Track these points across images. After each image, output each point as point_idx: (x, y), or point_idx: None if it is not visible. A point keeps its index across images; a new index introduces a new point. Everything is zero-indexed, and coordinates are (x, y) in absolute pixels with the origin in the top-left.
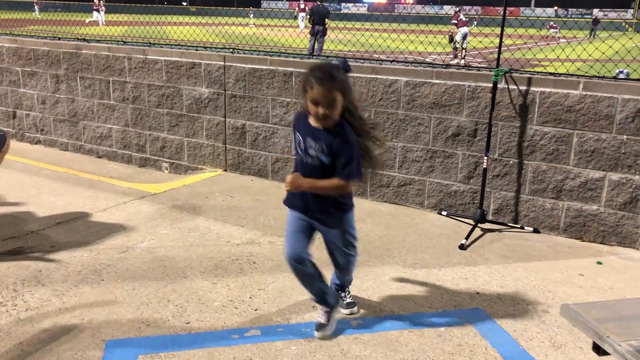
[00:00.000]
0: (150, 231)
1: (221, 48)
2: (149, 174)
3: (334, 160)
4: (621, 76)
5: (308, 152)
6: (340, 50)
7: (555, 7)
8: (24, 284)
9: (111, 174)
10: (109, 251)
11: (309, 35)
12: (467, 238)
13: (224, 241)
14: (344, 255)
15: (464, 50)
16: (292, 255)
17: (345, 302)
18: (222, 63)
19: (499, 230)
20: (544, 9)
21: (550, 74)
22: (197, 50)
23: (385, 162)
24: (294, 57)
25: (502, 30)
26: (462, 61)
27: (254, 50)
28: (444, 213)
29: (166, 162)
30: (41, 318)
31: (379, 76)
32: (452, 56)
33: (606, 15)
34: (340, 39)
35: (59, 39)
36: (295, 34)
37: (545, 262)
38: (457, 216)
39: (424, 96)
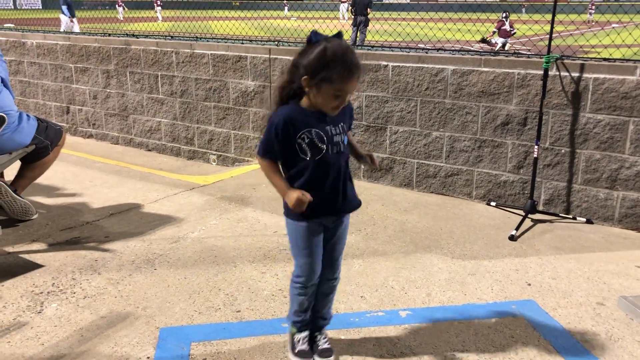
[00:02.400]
0: (200, 222)
1: (266, 41)
2: (197, 166)
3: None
4: None
5: (334, 140)
6: (386, 40)
7: None
8: (81, 272)
9: (161, 167)
10: (160, 241)
11: (351, 27)
12: (517, 229)
13: (271, 231)
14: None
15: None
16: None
17: (320, 347)
18: (268, 56)
19: (550, 221)
20: None
21: (604, 59)
22: (242, 43)
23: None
24: None
25: (554, 16)
26: (508, 46)
27: (299, 43)
28: (493, 204)
29: (214, 154)
30: (98, 305)
31: (425, 65)
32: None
33: None
34: (384, 30)
35: (109, 35)
36: (337, 25)
37: (599, 253)
38: (507, 207)
39: (472, 84)
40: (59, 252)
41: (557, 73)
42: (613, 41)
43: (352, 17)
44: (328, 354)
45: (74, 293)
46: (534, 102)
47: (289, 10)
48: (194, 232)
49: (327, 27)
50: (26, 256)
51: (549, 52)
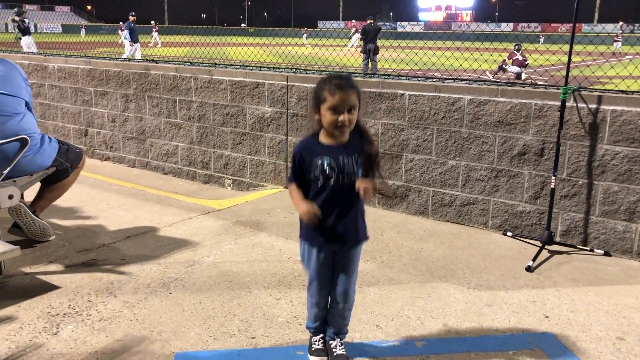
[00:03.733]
0: (215, 246)
1: (284, 68)
2: (213, 190)
3: (360, 168)
4: None
5: (345, 170)
6: (398, 68)
7: (621, 22)
8: (97, 294)
9: (176, 190)
10: (176, 265)
11: (361, 55)
12: (534, 260)
13: (286, 257)
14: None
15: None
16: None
17: (336, 353)
18: (285, 83)
19: (567, 253)
20: (604, 25)
21: (622, 91)
22: (260, 70)
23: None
24: (355, 76)
25: (571, 47)
26: (524, 76)
27: (316, 70)
28: (509, 234)
29: (229, 179)
30: (114, 328)
31: (442, 94)
32: (491, 73)
33: None
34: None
35: (129, 60)
36: (349, 53)
37: (617, 286)
38: (523, 237)
39: (489, 114)
40: (76, 273)
41: (575, 104)
42: (631, 73)
43: (362, 44)
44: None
45: (90, 315)
46: (551, 133)
47: (307, 37)
48: (209, 257)
49: (338, 55)
50: (43, 277)
51: (566, 83)
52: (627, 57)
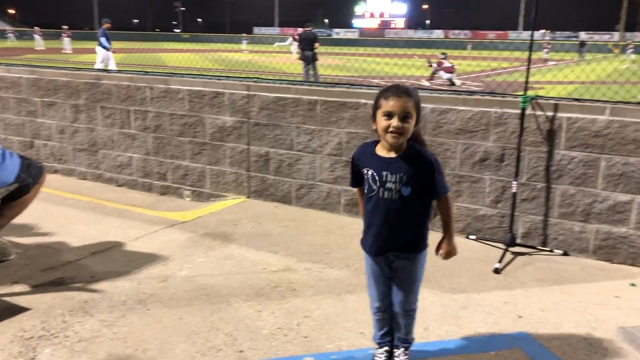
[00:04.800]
0: (187, 259)
1: (244, 77)
2: (171, 202)
3: (415, 188)
4: None
5: (386, 185)
6: (336, 75)
7: (543, 30)
8: (71, 314)
9: (133, 202)
10: (149, 280)
11: (300, 62)
12: (500, 262)
13: (260, 268)
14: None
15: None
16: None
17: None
18: (246, 92)
19: (529, 254)
20: (530, 32)
21: (576, 99)
22: (219, 79)
23: None
24: (318, 86)
25: (530, 57)
26: (459, 82)
27: (277, 80)
28: (472, 237)
29: (188, 190)
30: (95, 349)
31: None
32: (427, 80)
33: (592, 37)
34: (335, 65)
35: (79, 69)
36: (288, 59)
37: (579, 284)
38: (486, 240)
39: (450, 122)
40: (45, 293)
41: (533, 112)
42: (554, 76)
43: (301, 52)
44: None
45: (67, 337)
46: (511, 140)
47: (247, 44)
48: (182, 271)
49: (277, 63)
50: (9, 299)
51: (525, 92)
52: (550, 63)
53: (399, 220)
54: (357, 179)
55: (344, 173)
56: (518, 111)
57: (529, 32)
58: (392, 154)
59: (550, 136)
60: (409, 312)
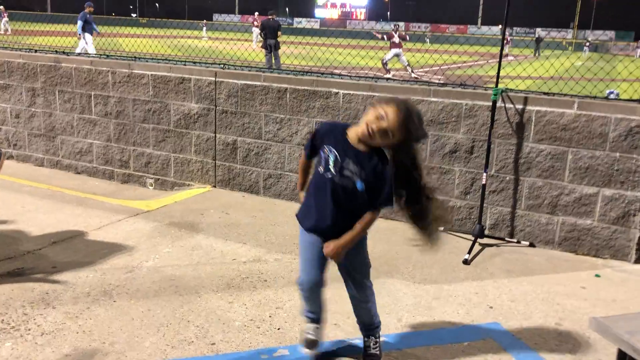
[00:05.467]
0: (152, 250)
1: (211, 63)
2: (134, 190)
3: (367, 188)
4: (612, 96)
5: (343, 173)
6: (299, 64)
7: (500, 25)
8: (32, 306)
9: (94, 190)
10: (114, 271)
11: (262, 50)
12: (469, 253)
13: (229, 259)
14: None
15: (408, 67)
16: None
17: (369, 352)
18: (213, 79)
19: (497, 245)
20: (489, 27)
21: (545, 93)
22: (185, 65)
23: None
24: (288, 74)
25: (502, 51)
26: (413, 74)
27: (245, 66)
28: (441, 228)
29: (151, 178)
30: (60, 342)
31: (376, 93)
32: (383, 72)
33: (548, 34)
34: (296, 54)
35: (36, 51)
36: (248, 48)
37: (546, 275)
38: (454, 231)
39: (422, 114)
40: (2, 285)
41: (503, 105)
42: (517, 73)
43: (262, 40)
44: (373, 359)
45: (29, 330)
46: (481, 132)
47: (207, 30)
48: (148, 261)
49: (239, 50)
50: None
51: (497, 84)
52: (509, 57)
53: (344, 209)
54: (313, 151)
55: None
56: (489, 103)
57: (487, 27)
58: (361, 147)
59: (520, 129)
60: (365, 295)
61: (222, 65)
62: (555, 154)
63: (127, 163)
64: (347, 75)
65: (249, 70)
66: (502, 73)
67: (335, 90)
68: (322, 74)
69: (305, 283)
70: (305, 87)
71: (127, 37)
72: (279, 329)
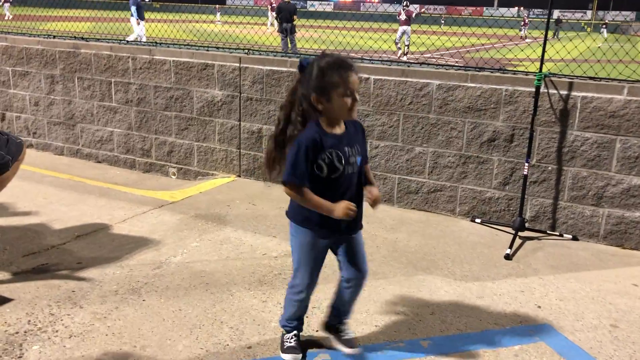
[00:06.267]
0: (180, 244)
1: (234, 49)
2: (156, 180)
3: (362, 155)
4: None
5: (350, 160)
6: (318, 48)
7: (517, 7)
8: (59, 306)
9: (115, 180)
10: (141, 267)
11: (279, 34)
12: (510, 247)
13: (260, 254)
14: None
15: (406, 47)
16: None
17: (344, 337)
18: (238, 64)
19: (538, 239)
20: (508, 8)
21: (592, 78)
22: (208, 50)
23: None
24: (282, 56)
25: (546, 34)
26: (405, 57)
27: (270, 52)
28: (478, 220)
29: (174, 167)
30: (89, 346)
31: (409, 79)
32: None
33: (565, 15)
34: (310, 37)
35: (54, 37)
36: (265, 32)
37: (594, 271)
38: (492, 223)
39: (458, 100)
40: (28, 282)
41: (546, 90)
42: (528, 55)
43: (279, 24)
44: (353, 342)
45: (57, 332)
46: (521, 119)
47: (221, 15)
48: (176, 256)
49: (256, 34)
50: None
51: (541, 69)
52: (527, 40)
53: (359, 193)
54: (310, 174)
55: None
56: (530, 89)
57: (504, 9)
58: (342, 129)
59: (564, 116)
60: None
61: (246, 51)
62: (602, 143)
63: (149, 152)
64: (379, 60)
65: (274, 56)
66: (521, 55)
67: (365, 75)
68: (352, 58)
69: (309, 290)
70: None
71: (124, 23)
72: (317, 330)
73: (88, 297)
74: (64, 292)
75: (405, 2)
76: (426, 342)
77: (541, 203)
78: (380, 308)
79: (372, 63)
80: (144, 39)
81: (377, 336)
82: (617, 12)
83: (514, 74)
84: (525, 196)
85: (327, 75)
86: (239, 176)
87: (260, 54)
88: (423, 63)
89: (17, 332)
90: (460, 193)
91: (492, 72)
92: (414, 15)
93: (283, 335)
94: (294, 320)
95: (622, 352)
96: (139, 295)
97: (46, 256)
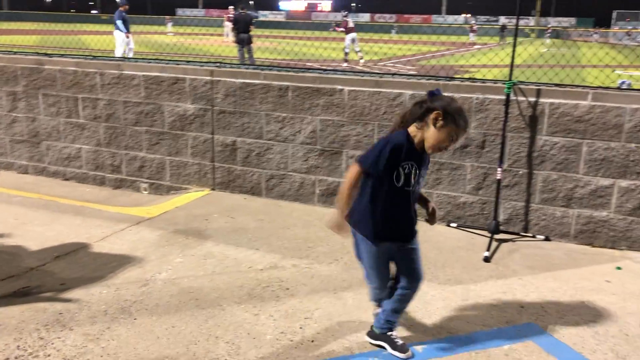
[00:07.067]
0: (163, 260)
1: (205, 62)
2: (127, 196)
3: None
4: (624, 86)
5: (419, 180)
6: (275, 59)
7: (464, 14)
8: (47, 329)
9: (86, 197)
10: (128, 285)
11: (235, 45)
12: (488, 250)
13: (245, 267)
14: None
15: (358, 53)
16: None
17: (398, 342)
18: (210, 78)
19: (512, 240)
20: (455, 17)
21: (558, 85)
22: (178, 64)
23: None
24: (288, 71)
25: (515, 43)
26: (361, 61)
27: (241, 65)
28: (454, 225)
29: (145, 182)
30: None
31: (383, 89)
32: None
33: (511, 22)
34: (266, 48)
35: (15, 53)
36: (218, 42)
37: (569, 270)
38: (467, 227)
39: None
40: (10, 306)
41: (515, 98)
42: (478, 60)
43: (235, 35)
44: (407, 347)
45: (49, 355)
46: (492, 126)
47: (172, 26)
48: (162, 273)
49: (212, 45)
50: None
51: (510, 77)
52: (475, 47)
53: (414, 208)
54: (383, 169)
55: (317, 162)
56: (500, 97)
57: (453, 17)
58: (419, 148)
59: (533, 122)
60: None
61: (218, 64)
62: (570, 147)
63: (119, 168)
64: (351, 72)
65: (247, 68)
66: (468, 62)
67: (339, 86)
68: (325, 70)
69: (384, 291)
70: (308, 85)
71: (91, 35)
72: (313, 341)
73: (77, 318)
74: (50, 314)
75: (345, 13)
76: (420, 347)
77: (514, 206)
78: (371, 315)
79: (345, 74)
80: (132, 54)
81: (373, 345)
82: (559, 18)
83: (483, 82)
84: (499, 200)
85: (459, 113)
86: (214, 189)
87: (232, 67)
88: (395, 74)
89: (7, 359)
90: (435, 199)
91: (462, 82)
92: (349, 24)
93: (390, 334)
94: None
95: (603, 346)
96: (130, 314)
97: (26, 279)
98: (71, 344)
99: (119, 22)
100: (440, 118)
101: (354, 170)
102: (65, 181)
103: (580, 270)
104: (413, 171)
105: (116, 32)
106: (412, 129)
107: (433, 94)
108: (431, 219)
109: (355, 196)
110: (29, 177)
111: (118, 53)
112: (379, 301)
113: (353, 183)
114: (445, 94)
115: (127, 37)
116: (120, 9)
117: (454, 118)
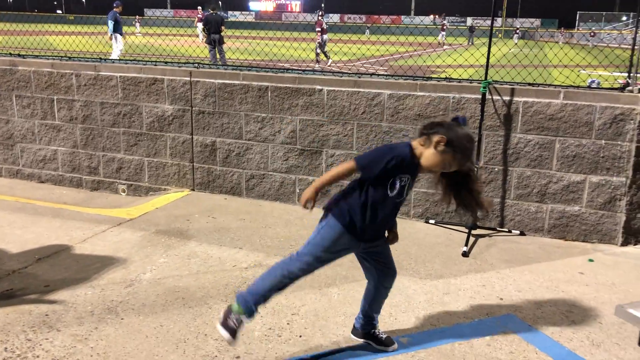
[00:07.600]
0: (147, 260)
1: (184, 63)
2: (105, 198)
3: None
4: (593, 85)
5: (408, 192)
6: (245, 59)
7: (433, 15)
8: (34, 331)
9: (63, 200)
10: (113, 286)
11: (206, 45)
12: (466, 245)
13: (230, 266)
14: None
15: (325, 54)
16: None
17: (383, 337)
18: (188, 78)
19: (489, 236)
20: (422, 18)
21: (531, 84)
22: (156, 65)
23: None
24: (267, 72)
25: (490, 43)
26: (330, 61)
27: (220, 65)
28: (432, 221)
29: (123, 184)
30: None
31: (361, 89)
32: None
33: (478, 23)
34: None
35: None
36: (192, 43)
37: (544, 263)
38: (445, 224)
39: (409, 108)
40: None
41: (490, 97)
42: (443, 61)
43: (206, 35)
44: (392, 340)
45: (38, 357)
46: (469, 124)
47: (140, 26)
48: (146, 273)
49: (183, 46)
50: None
51: (486, 77)
52: (445, 47)
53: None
54: (378, 175)
55: (297, 162)
56: (476, 96)
57: (421, 17)
58: (416, 161)
59: (508, 120)
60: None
61: (196, 65)
62: (543, 144)
63: (97, 169)
64: (330, 72)
65: (225, 69)
66: (444, 62)
67: (319, 87)
68: (304, 70)
69: (296, 279)
70: (288, 85)
71: (57, 35)
72: (300, 336)
73: (64, 319)
74: (36, 316)
75: (320, 12)
76: (405, 339)
77: (490, 202)
78: (356, 310)
79: (324, 74)
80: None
81: (359, 340)
82: (527, 19)
83: (460, 82)
84: None
85: (463, 148)
86: (193, 190)
87: (211, 68)
88: (373, 74)
89: None
90: (414, 196)
91: (439, 81)
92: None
93: (240, 314)
94: (264, 303)
95: (579, 334)
96: (117, 314)
97: (9, 281)
98: (60, 345)
99: (111, 24)
100: (442, 143)
101: (347, 165)
102: (40, 183)
103: (555, 263)
104: (408, 184)
105: (113, 35)
106: (415, 143)
107: (457, 119)
108: (390, 242)
109: (348, 191)
110: (3, 180)
111: (114, 56)
112: (267, 299)
113: (340, 174)
114: (423, 93)
115: (111, 39)
116: (115, 9)
117: (454, 149)
